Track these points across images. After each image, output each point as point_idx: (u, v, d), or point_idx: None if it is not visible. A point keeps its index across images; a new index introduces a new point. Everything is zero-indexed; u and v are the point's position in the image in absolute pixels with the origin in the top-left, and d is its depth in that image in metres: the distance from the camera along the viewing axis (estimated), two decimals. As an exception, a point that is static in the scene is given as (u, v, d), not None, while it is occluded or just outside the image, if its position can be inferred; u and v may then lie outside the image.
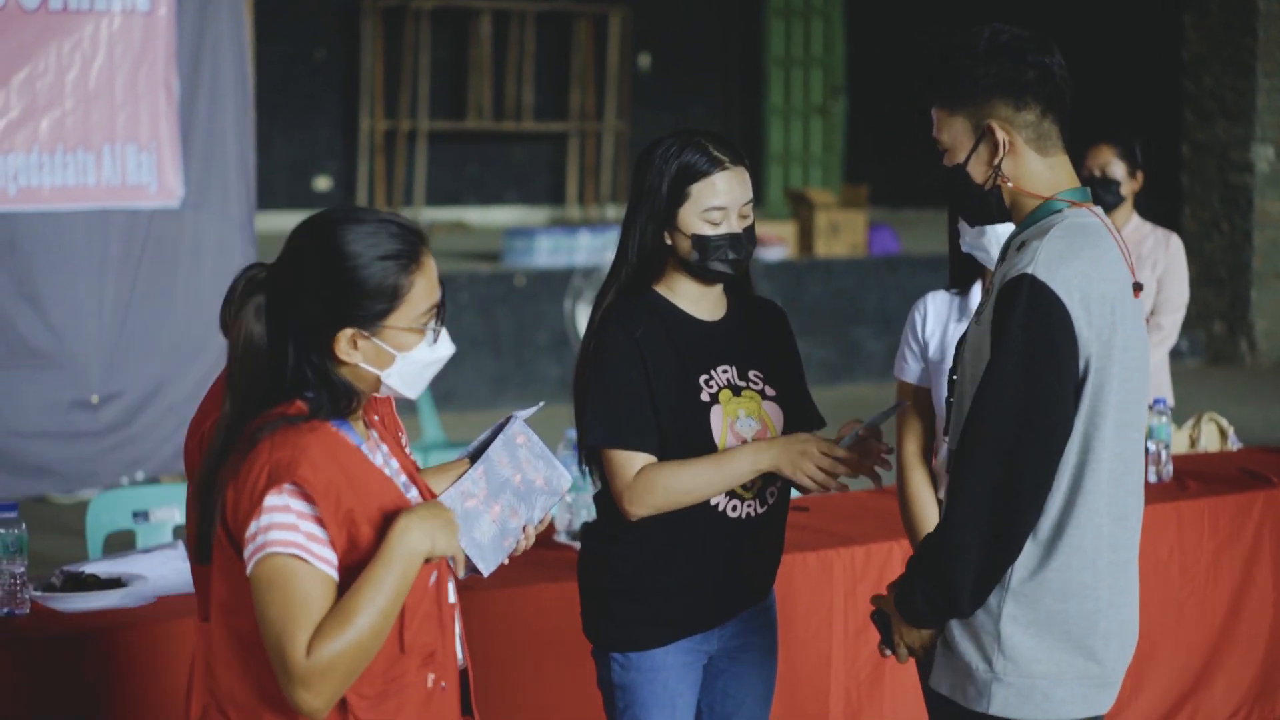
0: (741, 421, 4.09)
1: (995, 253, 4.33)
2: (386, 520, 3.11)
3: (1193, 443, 7.03)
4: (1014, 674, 3.45)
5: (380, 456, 3.34)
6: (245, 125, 8.51)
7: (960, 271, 4.58)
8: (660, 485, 4.01)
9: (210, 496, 3.11)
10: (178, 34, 8.20)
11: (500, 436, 3.64)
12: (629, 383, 4.05)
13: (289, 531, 3.01)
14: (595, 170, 17.45)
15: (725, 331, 4.15)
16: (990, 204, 3.55)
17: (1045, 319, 3.32)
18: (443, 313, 3.22)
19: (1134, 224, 7.50)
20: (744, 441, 4.06)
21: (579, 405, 4.11)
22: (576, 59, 17.35)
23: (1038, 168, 3.50)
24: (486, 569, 3.60)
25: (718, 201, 4.04)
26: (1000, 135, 3.48)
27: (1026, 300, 3.32)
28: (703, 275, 4.10)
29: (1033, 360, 3.33)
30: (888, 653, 3.66)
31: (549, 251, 13.55)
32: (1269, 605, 5.94)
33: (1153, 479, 6.01)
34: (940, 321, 4.53)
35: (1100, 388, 3.37)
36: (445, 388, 12.06)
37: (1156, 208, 7.43)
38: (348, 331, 3.12)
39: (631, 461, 4.04)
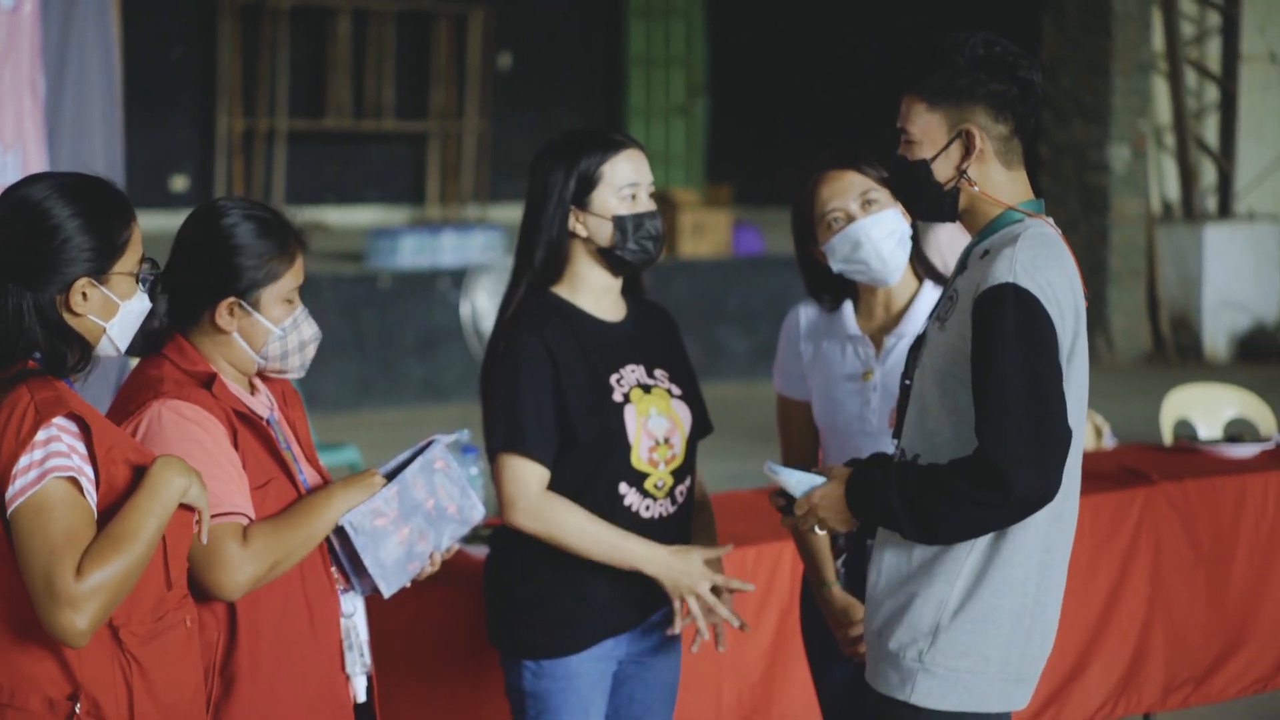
0: (653, 420, 4.08)
1: (875, 259, 4.29)
2: (139, 466, 3.21)
3: (1069, 440, 7.10)
4: (940, 664, 3.51)
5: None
6: (113, 125, 8.37)
7: (817, 284, 4.49)
8: (558, 522, 4.02)
9: None
10: (43, 32, 8.05)
11: (419, 459, 3.64)
12: (536, 389, 4.03)
13: (65, 457, 3.10)
14: (456, 170, 17.37)
15: (628, 332, 4.14)
16: (945, 204, 3.62)
17: (1036, 323, 3.43)
18: (152, 266, 3.38)
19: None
20: (656, 441, 4.06)
21: (485, 407, 4.10)
22: (437, 58, 17.27)
23: (1001, 178, 3.59)
24: (388, 590, 3.61)
25: (632, 177, 4.04)
26: (976, 140, 3.56)
27: (1014, 308, 3.42)
28: (622, 260, 4.08)
29: (1035, 361, 3.42)
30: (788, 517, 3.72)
31: (413, 252, 13.47)
32: (1143, 600, 6.01)
33: (1034, 477, 6.05)
34: (815, 334, 4.47)
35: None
36: (309, 389, 11.95)
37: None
38: (81, 281, 3.22)
39: (525, 470, 4.03)
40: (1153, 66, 15.55)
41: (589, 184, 4.04)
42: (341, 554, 3.63)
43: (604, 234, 4.05)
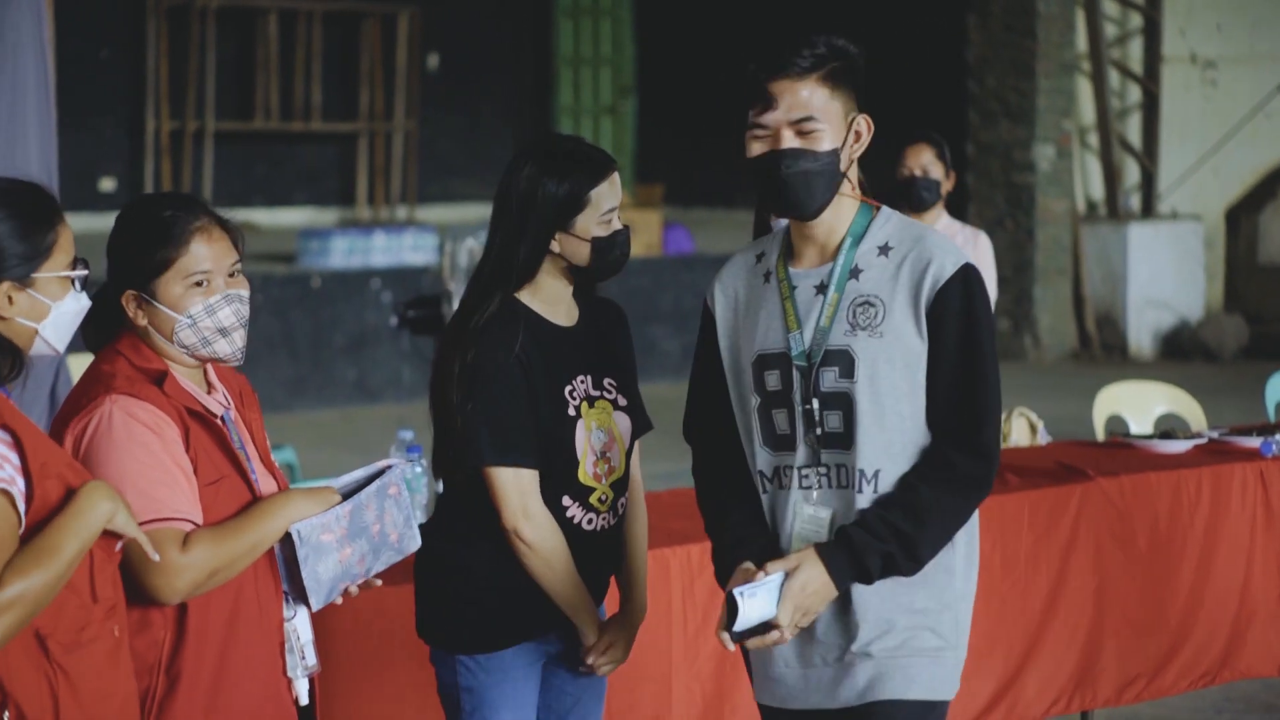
0: (595, 434, 4.10)
1: None
2: (70, 485, 3.20)
3: (1004, 437, 7.18)
4: (884, 652, 3.56)
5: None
6: (47, 126, 8.30)
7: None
8: (553, 548, 4.04)
9: None
10: (-25, 33, 7.99)
11: (376, 482, 3.64)
12: (516, 398, 4.02)
13: None
14: (385, 170, 17.34)
15: (580, 338, 4.14)
16: (833, 195, 3.57)
17: (986, 294, 3.58)
18: (85, 267, 3.38)
19: (944, 222, 7.63)
20: (598, 455, 4.08)
21: (448, 422, 4.05)
22: (365, 58, 17.23)
23: (853, 172, 3.62)
24: (317, 604, 3.63)
25: (613, 202, 4.06)
26: (863, 128, 3.59)
27: (978, 288, 3.52)
28: (590, 275, 4.10)
29: (994, 339, 3.58)
30: (731, 642, 3.54)
31: (345, 253, 13.45)
32: (1088, 594, 6.06)
33: (972, 473, 6.11)
34: None
35: None
36: (242, 391, 11.93)
37: (944, 207, 7.61)
38: (4, 285, 3.24)
39: (520, 479, 4.01)
40: (1076, 67, 15.70)
41: (575, 208, 4.03)
42: (280, 559, 3.63)
43: (581, 254, 4.05)
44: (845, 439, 3.56)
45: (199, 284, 3.58)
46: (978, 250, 7.59)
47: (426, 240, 13.96)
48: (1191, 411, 7.72)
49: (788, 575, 3.51)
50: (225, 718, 3.53)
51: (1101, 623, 6.10)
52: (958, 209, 15.16)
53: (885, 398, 3.53)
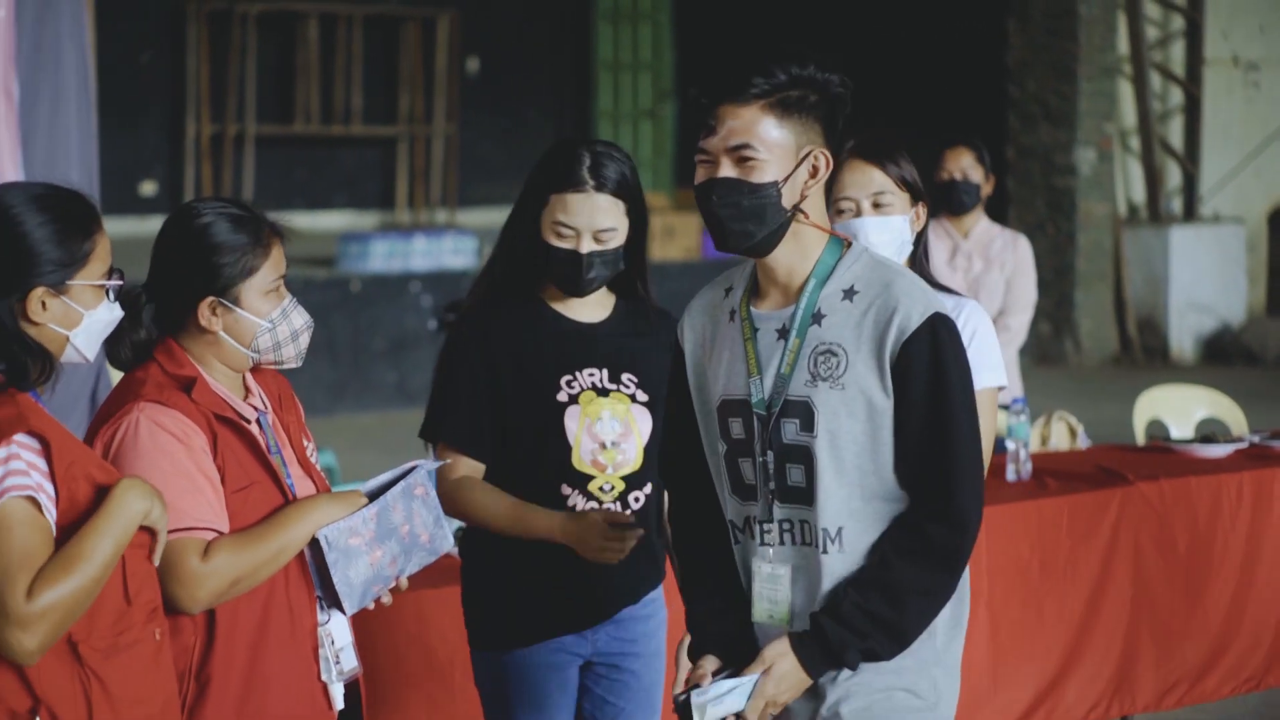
0: (604, 423, 4.11)
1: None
2: (102, 485, 3.21)
3: (1044, 441, 7.15)
4: (854, 714, 3.33)
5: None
6: (88, 130, 8.35)
7: None
8: (466, 502, 4.09)
9: None
10: (17, 37, 8.03)
11: (402, 483, 3.64)
12: (461, 379, 4.11)
13: (24, 476, 3.10)
14: (425, 174, 17.36)
15: (602, 334, 4.18)
16: (779, 234, 3.29)
17: (960, 346, 3.31)
18: (120, 277, 3.38)
19: (983, 225, 7.62)
20: (602, 444, 4.10)
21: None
22: (405, 62, 17.25)
23: (821, 208, 3.35)
24: (351, 608, 3.62)
25: (566, 219, 4.07)
26: (820, 164, 3.30)
27: (949, 339, 3.26)
28: (550, 282, 4.17)
29: (971, 390, 3.31)
30: None
31: (384, 256, 13.47)
32: (1126, 601, 6.05)
33: (1011, 477, 6.10)
34: None
35: None
36: (282, 394, 11.95)
37: (984, 210, 7.61)
38: (38, 291, 3.22)
39: (442, 457, 4.11)
40: (1118, 70, 15.64)
41: (540, 204, 4.12)
42: (312, 565, 3.63)
43: (542, 254, 4.14)
44: (807, 495, 3.32)
45: (274, 289, 3.63)
46: (1017, 254, 7.57)
47: (466, 244, 13.97)
48: (1233, 415, 7.69)
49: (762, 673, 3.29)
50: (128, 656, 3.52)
51: (1140, 628, 6.07)
52: (998, 213, 15.12)
53: (846, 453, 3.28)
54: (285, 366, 3.69)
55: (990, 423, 4.38)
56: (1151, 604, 6.10)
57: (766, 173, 3.24)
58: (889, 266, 3.33)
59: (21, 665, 3.11)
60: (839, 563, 3.30)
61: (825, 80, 3.27)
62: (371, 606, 3.67)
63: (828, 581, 3.31)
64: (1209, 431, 7.22)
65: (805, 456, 3.30)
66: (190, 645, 3.48)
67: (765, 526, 3.36)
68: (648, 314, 4.25)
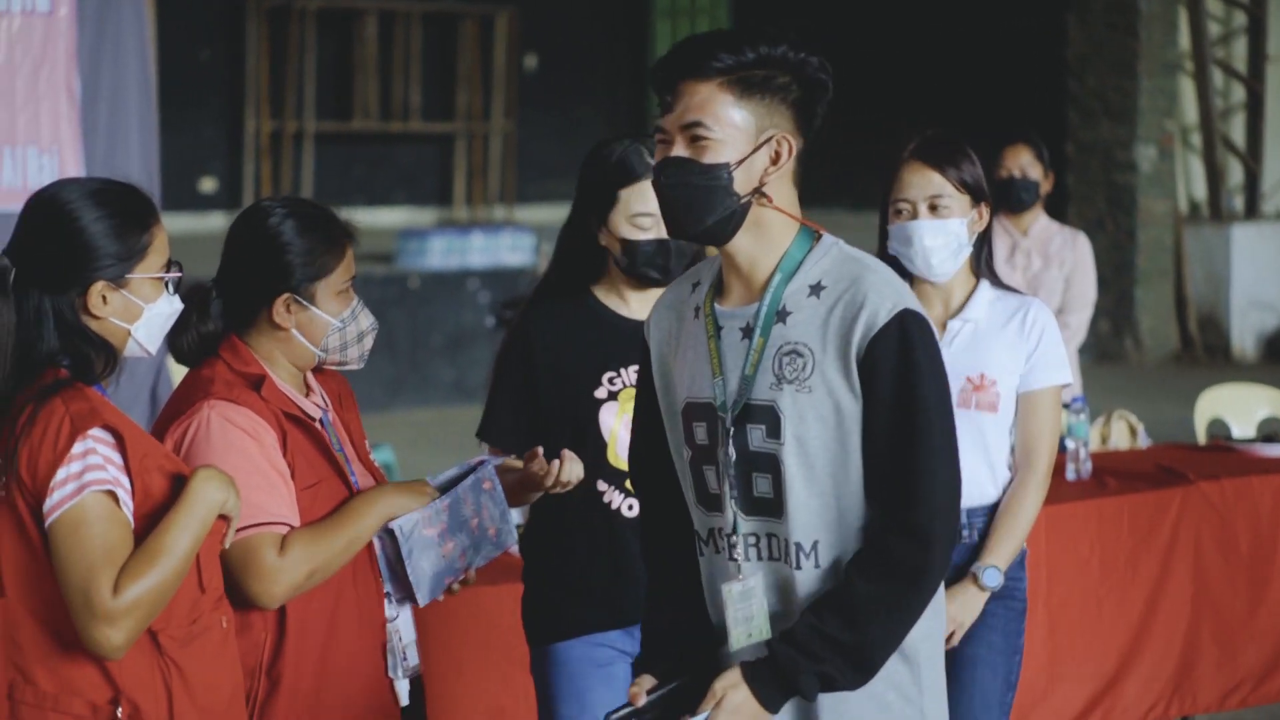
0: None
1: (920, 260, 4.33)
2: (175, 475, 3.25)
3: (1104, 440, 7.12)
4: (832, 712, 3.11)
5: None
6: (148, 127, 8.40)
7: (885, 254, 4.54)
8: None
9: None
10: (78, 35, 8.08)
11: (471, 478, 3.67)
12: (507, 381, 4.16)
13: (101, 470, 3.13)
14: (483, 171, 17.39)
15: None
16: (734, 220, 3.07)
17: (937, 350, 3.09)
18: (179, 270, 3.40)
19: (1043, 223, 7.59)
20: None
21: None
22: (463, 59, 17.28)
23: (790, 195, 3.12)
24: (423, 599, 3.64)
25: (644, 208, 4.06)
26: (783, 149, 3.07)
27: (920, 337, 3.03)
28: (633, 278, 4.15)
29: (946, 394, 3.08)
30: None
31: (443, 253, 13.49)
32: (1186, 601, 6.01)
33: (1071, 476, 6.07)
34: None
35: None
36: (340, 391, 11.99)
37: (1043, 208, 7.59)
38: (99, 285, 3.24)
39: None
40: (1179, 66, 15.54)
41: (609, 201, 4.12)
42: (383, 557, 3.65)
43: (615, 251, 4.14)
44: (775, 506, 3.08)
45: (345, 290, 3.67)
46: (1076, 251, 7.54)
47: (524, 240, 13.99)
48: (1295, 414, 7.65)
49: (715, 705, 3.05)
50: (327, 718, 3.55)
51: (1201, 628, 6.04)
52: (1057, 210, 15.06)
53: (816, 460, 3.04)
54: (348, 368, 3.72)
55: (1055, 421, 4.37)
56: (1213, 604, 6.06)
57: (719, 154, 3.04)
58: (860, 260, 3.11)
59: (107, 660, 3.14)
60: (816, 580, 3.08)
61: (799, 62, 3.06)
62: (441, 598, 3.69)
63: (804, 600, 3.08)
64: (1271, 430, 7.17)
65: (772, 465, 3.07)
66: (261, 642, 3.51)
67: (731, 540, 3.13)
68: None
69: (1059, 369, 4.35)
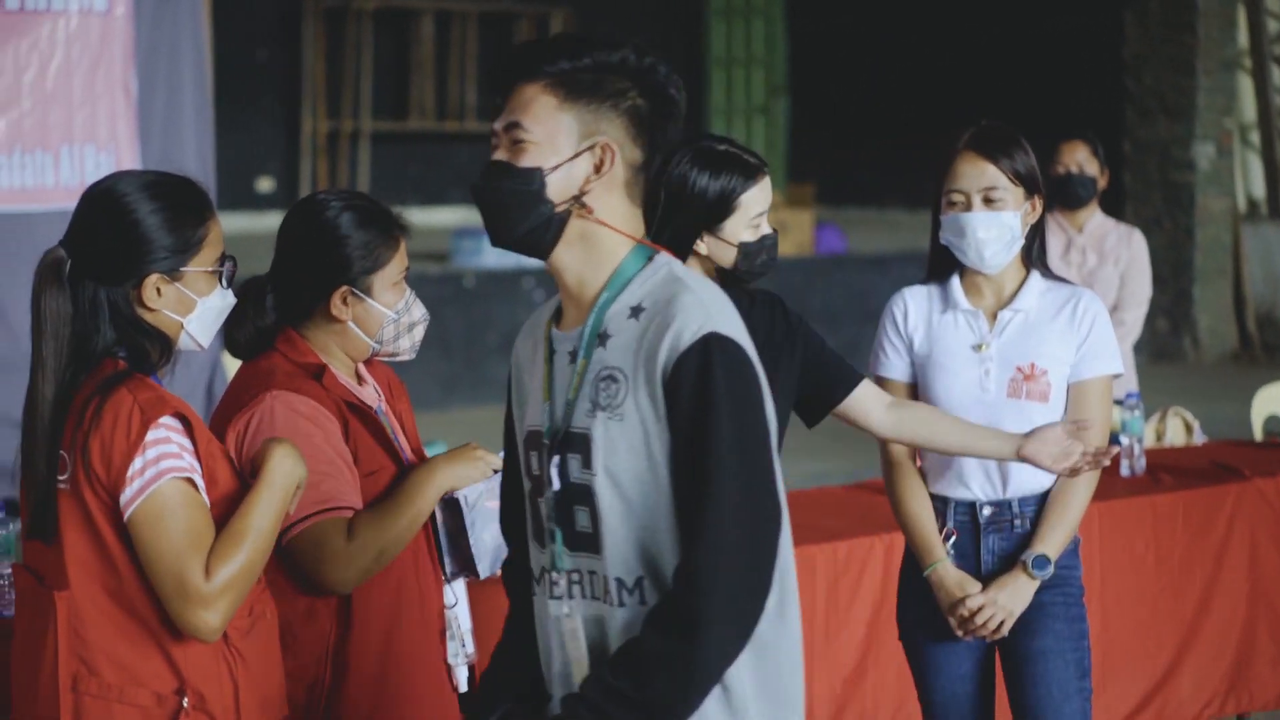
0: None
1: (973, 252, 4.33)
2: (233, 464, 3.29)
3: (1159, 437, 7.09)
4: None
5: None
6: (204, 125, 8.46)
7: (939, 264, 4.54)
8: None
9: (48, 471, 3.20)
10: (135, 34, 8.14)
11: None
12: None
13: (177, 458, 3.15)
14: (538, 170, 17.41)
15: None
16: (550, 229, 2.86)
17: (747, 380, 2.80)
18: (233, 265, 3.40)
19: (1098, 219, 7.57)
20: None
21: None
22: (519, 59, 17.31)
23: (625, 211, 2.91)
24: (484, 571, 3.66)
25: (762, 207, 4.06)
26: (606, 158, 2.86)
27: (722, 364, 2.76)
28: (739, 280, 4.10)
29: (749, 432, 2.78)
30: None
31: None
32: (1241, 598, 5.99)
33: (1125, 473, 6.05)
34: (923, 314, 4.49)
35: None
36: (396, 389, 12.02)
37: (1099, 204, 7.57)
38: (153, 277, 3.26)
39: None
40: (1237, 64, 15.45)
41: (725, 210, 4.03)
42: (443, 529, 3.68)
43: (726, 258, 4.07)
44: (593, 541, 2.85)
45: (399, 282, 3.72)
46: (1131, 249, 7.51)
47: (578, 239, 13.98)
48: (1352, 413, 7.60)
49: None
50: (393, 703, 3.60)
51: (1257, 624, 6.02)
52: (1114, 207, 14.99)
53: (630, 492, 2.80)
54: (400, 358, 3.75)
55: (1106, 410, 4.36)
56: (1269, 600, 6.04)
57: (534, 157, 2.84)
58: (682, 281, 2.85)
59: (206, 643, 3.17)
60: (640, 619, 2.81)
61: (643, 69, 2.88)
62: (498, 574, 3.70)
63: (621, 641, 2.83)
64: (1328, 428, 7.14)
65: (587, 497, 2.84)
66: (326, 630, 3.55)
67: (554, 577, 2.91)
68: (753, 300, 4.23)
69: (1110, 359, 4.34)
